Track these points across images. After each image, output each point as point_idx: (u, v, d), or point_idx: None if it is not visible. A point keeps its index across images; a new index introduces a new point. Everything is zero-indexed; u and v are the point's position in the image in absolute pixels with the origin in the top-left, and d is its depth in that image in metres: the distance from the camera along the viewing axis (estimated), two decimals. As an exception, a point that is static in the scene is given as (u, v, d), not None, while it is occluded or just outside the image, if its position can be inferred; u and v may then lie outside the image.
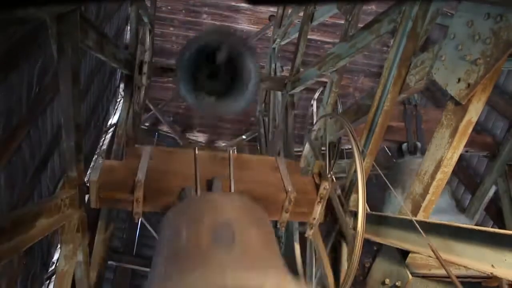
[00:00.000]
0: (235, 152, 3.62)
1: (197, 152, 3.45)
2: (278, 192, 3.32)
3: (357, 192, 2.63)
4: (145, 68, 5.34)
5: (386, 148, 9.75)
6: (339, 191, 3.26)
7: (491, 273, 1.62)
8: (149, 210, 3.31)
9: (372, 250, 2.90)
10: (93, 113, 6.89)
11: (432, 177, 2.30)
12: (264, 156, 3.73)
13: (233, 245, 1.83)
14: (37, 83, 3.89)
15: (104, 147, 7.87)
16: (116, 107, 9.34)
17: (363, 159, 2.80)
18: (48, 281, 5.62)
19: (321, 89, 6.90)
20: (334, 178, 3.32)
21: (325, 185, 3.25)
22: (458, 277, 1.79)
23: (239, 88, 4.43)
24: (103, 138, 8.26)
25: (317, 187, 3.35)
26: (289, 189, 3.28)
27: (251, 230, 2.07)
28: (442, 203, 4.18)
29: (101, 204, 3.26)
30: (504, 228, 1.68)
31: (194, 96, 4.52)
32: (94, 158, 6.57)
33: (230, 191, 3.21)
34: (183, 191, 3.11)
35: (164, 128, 10.64)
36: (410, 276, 2.34)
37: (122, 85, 8.87)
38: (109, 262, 5.36)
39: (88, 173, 5.34)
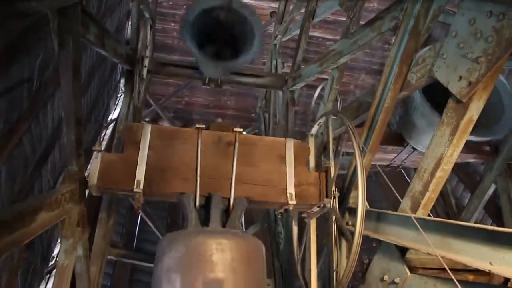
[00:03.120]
0: (242, 131, 3.47)
1: (200, 136, 3.31)
2: (280, 194, 3.32)
3: (357, 189, 2.64)
4: (146, 63, 5.34)
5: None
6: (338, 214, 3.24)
7: (490, 270, 1.63)
8: (149, 197, 3.29)
9: (371, 247, 2.91)
10: (93, 108, 6.89)
11: (432, 174, 2.31)
12: (272, 139, 3.56)
13: None
14: (38, 77, 3.89)
15: (104, 141, 7.87)
16: (116, 102, 9.33)
17: (363, 157, 2.80)
18: (48, 275, 5.63)
19: (322, 85, 6.88)
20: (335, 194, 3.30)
21: (326, 202, 3.23)
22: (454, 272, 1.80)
23: (244, 47, 4.48)
24: (104, 133, 8.26)
25: (320, 184, 3.36)
26: (291, 196, 3.28)
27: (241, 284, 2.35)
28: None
29: (102, 192, 3.25)
30: (503, 227, 1.69)
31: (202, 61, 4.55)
32: (94, 153, 6.56)
33: (230, 195, 3.17)
34: (182, 197, 3.10)
35: (165, 123, 10.64)
36: (408, 272, 2.35)
37: (122, 80, 8.87)
38: (109, 257, 5.35)
39: (88, 168, 5.35)
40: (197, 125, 3.30)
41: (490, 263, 1.63)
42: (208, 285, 2.32)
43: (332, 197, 3.19)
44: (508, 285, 2.15)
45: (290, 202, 3.27)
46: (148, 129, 3.31)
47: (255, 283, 2.53)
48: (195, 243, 2.49)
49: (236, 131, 3.36)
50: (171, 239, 2.61)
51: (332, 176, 3.25)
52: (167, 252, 2.52)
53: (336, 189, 3.21)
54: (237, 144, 3.32)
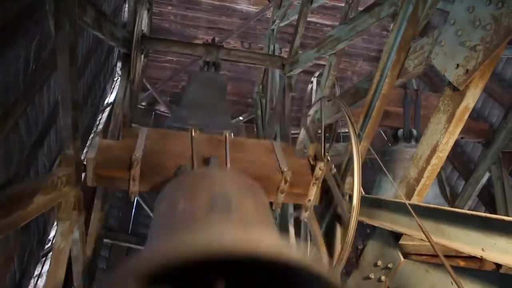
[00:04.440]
0: (232, 135, 3.64)
1: (193, 134, 3.44)
2: (273, 172, 3.35)
3: (352, 175, 2.65)
4: (143, 48, 5.30)
5: (382, 133, 9.79)
6: (334, 171, 3.28)
7: (481, 256, 1.66)
8: (145, 190, 3.32)
9: (365, 233, 2.94)
10: (90, 91, 6.85)
11: (427, 161, 2.32)
12: (259, 140, 3.74)
13: (230, 213, 1.83)
14: (34, 60, 3.86)
15: (101, 126, 7.85)
16: (113, 86, 9.29)
17: (360, 143, 2.81)
18: (44, 258, 5.67)
19: (319, 71, 6.86)
20: (329, 159, 3.33)
21: (321, 166, 3.27)
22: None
23: None
24: (100, 117, 8.24)
25: (313, 168, 3.37)
26: (285, 169, 3.30)
27: (247, 201, 2.07)
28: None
29: (97, 182, 3.27)
30: (496, 214, 1.71)
31: None
32: (91, 137, 6.56)
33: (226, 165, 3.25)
34: (179, 169, 3.11)
35: (161, 108, 10.60)
36: (402, 258, 2.38)
37: (119, 64, 8.81)
38: (105, 240, 5.39)
39: (85, 151, 5.34)
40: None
41: (482, 249, 1.66)
42: (216, 195, 2.04)
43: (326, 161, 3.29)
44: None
45: (286, 176, 3.29)
46: (144, 130, 3.51)
47: (262, 206, 2.27)
48: (200, 173, 2.45)
49: (226, 132, 3.48)
50: (174, 180, 2.44)
51: (325, 159, 3.29)
52: (171, 187, 2.32)
53: (332, 169, 3.26)
54: (228, 139, 3.43)
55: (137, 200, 8.59)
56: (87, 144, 5.88)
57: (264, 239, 1.04)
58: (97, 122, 7.98)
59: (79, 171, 3.16)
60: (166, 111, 10.49)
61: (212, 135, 3.64)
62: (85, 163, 3.18)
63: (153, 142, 3.42)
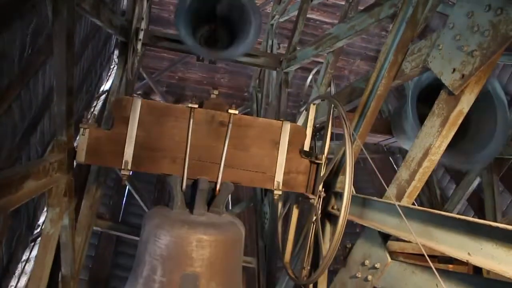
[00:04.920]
0: (237, 112, 3.38)
1: (192, 116, 3.21)
2: (266, 183, 3.35)
3: (344, 174, 2.66)
4: (140, 36, 5.28)
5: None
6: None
7: (467, 260, 1.67)
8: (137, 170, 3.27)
9: (354, 231, 2.95)
10: (85, 78, 6.82)
11: (419, 164, 2.33)
12: (268, 122, 3.43)
13: None
14: (30, 44, 3.83)
15: (94, 112, 7.82)
16: (109, 74, 9.24)
17: (353, 142, 2.82)
18: (33, 243, 5.65)
19: (316, 69, 6.87)
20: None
21: (311, 198, 3.25)
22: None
23: (241, 35, 4.44)
24: (95, 104, 8.20)
25: (310, 170, 3.37)
26: (278, 184, 3.30)
27: (212, 284, 2.76)
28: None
29: (90, 162, 3.22)
30: (484, 219, 1.73)
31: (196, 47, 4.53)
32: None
33: (217, 180, 3.18)
34: (170, 178, 3.10)
35: (157, 97, 10.56)
36: (389, 259, 2.40)
37: (116, 52, 8.76)
38: (94, 228, 5.37)
39: (77, 138, 5.32)
40: (190, 105, 3.23)
41: (468, 254, 1.67)
42: (185, 277, 2.73)
43: (317, 197, 3.21)
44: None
45: (276, 192, 3.31)
46: (138, 103, 3.17)
47: (230, 274, 2.99)
48: (178, 236, 2.78)
49: (230, 113, 3.28)
50: (157, 224, 2.86)
51: (322, 174, 3.25)
52: (152, 237, 2.83)
53: (323, 190, 3.22)
54: (230, 125, 3.26)
55: (128, 189, 8.57)
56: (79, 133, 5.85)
57: None
58: (92, 110, 7.94)
59: (71, 158, 3.15)
60: (161, 100, 10.46)
61: (214, 112, 3.30)
62: (77, 150, 3.14)
63: (146, 127, 3.19)
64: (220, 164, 3.20)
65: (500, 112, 4.00)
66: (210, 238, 2.79)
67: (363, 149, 2.91)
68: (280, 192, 3.32)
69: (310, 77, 7.15)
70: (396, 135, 5.35)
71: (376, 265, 2.47)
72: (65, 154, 3.07)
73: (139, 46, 5.30)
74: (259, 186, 3.41)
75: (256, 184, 3.41)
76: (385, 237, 2.52)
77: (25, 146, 4.32)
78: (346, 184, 2.58)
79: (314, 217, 3.19)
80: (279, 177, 3.31)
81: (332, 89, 6.28)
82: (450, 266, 2.42)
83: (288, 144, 3.37)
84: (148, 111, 3.20)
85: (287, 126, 3.38)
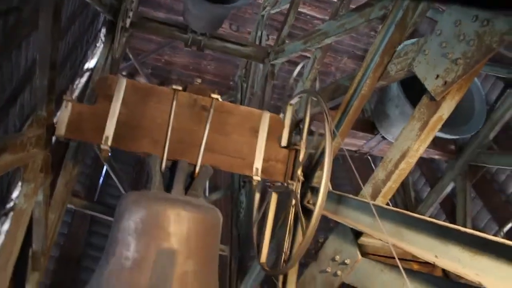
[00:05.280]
0: (219, 97, 3.39)
1: (176, 98, 3.23)
2: (245, 169, 3.36)
3: (322, 169, 2.69)
4: (130, 15, 5.20)
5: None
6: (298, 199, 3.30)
7: (434, 262, 1.72)
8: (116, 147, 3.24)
9: (328, 227, 2.99)
10: (70, 54, 6.70)
11: (396, 165, 2.38)
12: (249, 110, 3.52)
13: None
14: (14, 15, 3.75)
15: (77, 89, 7.70)
16: (94, 52, 9.09)
17: (333, 139, 2.85)
18: (4, 217, 5.57)
19: (303, 63, 6.89)
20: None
21: (291, 184, 3.27)
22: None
23: None
24: (78, 81, 8.07)
25: (289, 159, 3.40)
26: (256, 171, 3.32)
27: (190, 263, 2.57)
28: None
29: (69, 137, 3.17)
30: (455, 224, 1.78)
31: None
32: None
33: (197, 162, 3.18)
34: (149, 158, 3.08)
35: (141, 79, 10.45)
36: (359, 256, 2.44)
37: (103, 30, 8.62)
38: (69, 206, 5.31)
39: (57, 114, 5.24)
40: (174, 87, 3.23)
41: (436, 256, 1.72)
42: (160, 253, 2.52)
43: (297, 181, 3.23)
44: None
45: (255, 178, 3.32)
46: (123, 83, 3.17)
47: (207, 254, 2.78)
48: (155, 210, 2.61)
49: (213, 97, 3.32)
50: (133, 200, 2.68)
51: (301, 159, 3.29)
52: (127, 213, 2.63)
53: (302, 173, 3.25)
54: (212, 110, 3.28)
55: (106, 169, 8.49)
56: (61, 108, 5.76)
57: None
58: (74, 87, 7.81)
59: (50, 134, 3.10)
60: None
61: (197, 97, 3.33)
62: (56, 126, 3.09)
63: (129, 106, 3.18)
64: (200, 147, 3.21)
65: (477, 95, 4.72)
66: (188, 214, 2.66)
67: (343, 148, 2.94)
68: (258, 178, 3.33)
69: (297, 71, 7.16)
70: (379, 125, 5.38)
71: (346, 261, 2.52)
72: (44, 130, 3.02)
73: (127, 25, 5.23)
74: (238, 172, 3.41)
75: (235, 170, 3.41)
76: (358, 235, 2.56)
77: (4, 118, 4.24)
78: (323, 179, 2.62)
79: (294, 202, 3.20)
80: (258, 163, 3.34)
81: (317, 85, 6.31)
82: (415, 266, 2.48)
83: (267, 133, 3.42)
84: (133, 91, 3.20)
85: (266, 116, 3.45)
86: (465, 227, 1.68)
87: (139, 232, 2.57)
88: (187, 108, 3.29)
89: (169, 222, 2.58)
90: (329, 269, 2.68)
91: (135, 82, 3.31)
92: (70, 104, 3.04)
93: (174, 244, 2.55)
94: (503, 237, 1.92)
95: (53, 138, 3.20)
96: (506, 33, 1.85)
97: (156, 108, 3.23)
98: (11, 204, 5.49)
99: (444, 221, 1.80)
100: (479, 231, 1.57)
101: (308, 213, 3.23)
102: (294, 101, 3.58)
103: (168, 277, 2.49)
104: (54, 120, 3.16)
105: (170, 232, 2.57)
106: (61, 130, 3.01)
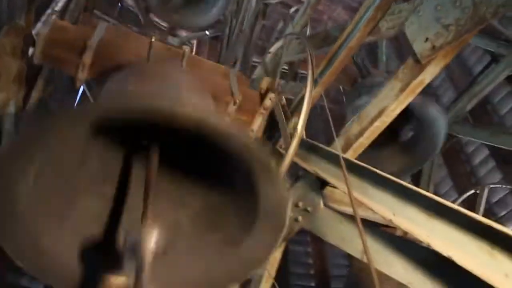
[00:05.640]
0: (193, 50, 3.49)
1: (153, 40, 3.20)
2: (224, 93, 3.33)
3: (298, 116, 2.70)
4: None
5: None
6: (284, 102, 3.31)
7: (391, 220, 1.80)
8: (92, 76, 3.18)
9: (296, 173, 3.04)
10: (54, -39, 6.32)
11: (371, 122, 2.40)
12: (217, 64, 3.64)
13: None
14: None
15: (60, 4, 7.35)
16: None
17: (314, 87, 2.84)
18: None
19: (296, 7, 6.73)
20: (280, 91, 3.36)
21: (271, 96, 3.29)
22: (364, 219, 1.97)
23: None
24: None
25: (262, 99, 3.40)
26: (236, 93, 3.30)
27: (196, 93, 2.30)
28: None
29: (44, 59, 3.09)
30: (418, 186, 1.85)
31: None
32: (46, 13, 6.14)
33: None
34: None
35: (129, 1, 10.01)
36: (322, 205, 2.52)
37: None
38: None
39: (37, 26, 5.03)
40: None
41: (393, 214, 1.80)
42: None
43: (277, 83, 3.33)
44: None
45: (236, 99, 3.30)
46: (103, 26, 3.17)
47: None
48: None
49: (184, 49, 3.30)
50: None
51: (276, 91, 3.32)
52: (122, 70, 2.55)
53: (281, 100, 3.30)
54: (186, 54, 3.27)
55: (83, 89, 8.32)
56: (40, 20, 5.52)
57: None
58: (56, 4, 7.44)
59: (27, 45, 2.99)
60: (132, 6, 9.93)
61: (171, 47, 3.45)
62: (35, 38, 2.98)
63: (111, 36, 3.17)
64: None
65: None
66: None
67: (323, 96, 2.95)
68: (240, 98, 3.33)
69: (289, 14, 7.00)
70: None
71: (308, 208, 2.60)
72: (21, 39, 2.91)
73: None
74: (216, 96, 3.41)
75: (214, 92, 3.40)
76: (323, 184, 2.63)
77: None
78: (299, 125, 2.62)
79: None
80: (235, 90, 3.35)
81: (308, 31, 6.21)
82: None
83: (236, 81, 3.46)
84: (114, 30, 3.27)
85: (234, 73, 3.58)
86: (427, 191, 1.74)
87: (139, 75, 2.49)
88: (163, 51, 3.33)
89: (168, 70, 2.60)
90: (291, 214, 2.76)
91: (117, 25, 3.35)
92: (54, 18, 2.95)
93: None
94: (459, 205, 2.00)
95: (30, 51, 3.08)
96: (502, 5, 1.83)
97: (135, 44, 3.25)
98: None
99: (408, 182, 1.86)
100: (439, 196, 1.64)
101: (279, 158, 3.28)
102: (273, 49, 3.55)
103: None
104: (33, 32, 3.04)
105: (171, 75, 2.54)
106: (40, 41, 2.92)
